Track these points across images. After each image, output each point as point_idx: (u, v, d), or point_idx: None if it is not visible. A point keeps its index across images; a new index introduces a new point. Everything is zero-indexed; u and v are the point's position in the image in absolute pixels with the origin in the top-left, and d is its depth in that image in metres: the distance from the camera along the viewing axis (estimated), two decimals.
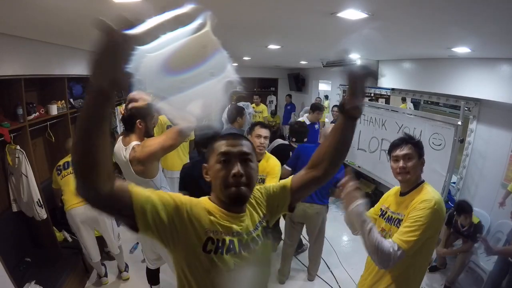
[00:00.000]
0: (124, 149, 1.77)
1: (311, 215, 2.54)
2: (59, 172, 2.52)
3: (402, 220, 1.38)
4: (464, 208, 2.63)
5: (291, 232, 2.71)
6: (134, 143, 1.75)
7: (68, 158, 2.59)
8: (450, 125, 2.82)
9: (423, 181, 1.44)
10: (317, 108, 3.98)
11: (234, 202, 0.88)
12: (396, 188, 1.56)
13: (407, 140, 1.45)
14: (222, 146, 0.90)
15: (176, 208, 0.82)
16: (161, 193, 0.83)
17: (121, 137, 1.87)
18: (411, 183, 1.44)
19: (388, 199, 1.55)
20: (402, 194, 1.47)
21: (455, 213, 2.74)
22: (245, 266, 0.88)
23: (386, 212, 1.52)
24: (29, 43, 2.44)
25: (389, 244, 1.23)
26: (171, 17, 0.71)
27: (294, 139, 2.87)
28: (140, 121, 1.78)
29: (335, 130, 0.96)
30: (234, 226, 0.88)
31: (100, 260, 2.68)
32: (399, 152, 1.43)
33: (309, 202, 2.51)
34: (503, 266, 2.30)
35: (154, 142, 1.68)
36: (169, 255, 1.73)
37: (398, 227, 1.38)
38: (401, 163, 1.42)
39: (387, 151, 1.57)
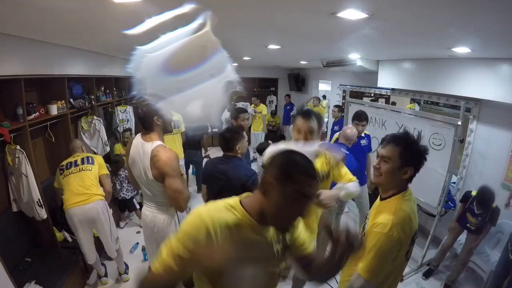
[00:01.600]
0: (145, 144, 1.79)
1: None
2: (62, 171, 2.54)
3: (366, 228, 1.33)
4: (484, 202, 2.53)
5: None
6: (159, 143, 1.77)
7: (72, 159, 2.60)
8: (450, 125, 2.81)
9: (400, 191, 1.26)
10: (357, 117, 3.22)
11: (282, 231, 0.96)
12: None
13: (398, 141, 1.25)
14: (305, 185, 0.83)
15: (200, 248, 0.83)
16: (190, 247, 0.83)
17: (140, 134, 1.89)
18: (387, 189, 1.30)
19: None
20: (381, 198, 1.34)
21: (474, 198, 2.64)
22: (256, 269, 0.94)
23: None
24: (29, 43, 2.44)
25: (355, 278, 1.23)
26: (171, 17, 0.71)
27: None
28: (157, 117, 1.80)
29: (328, 256, 0.89)
30: (258, 238, 0.92)
31: (100, 260, 2.68)
32: (381, 149, 1.27)
33: None
34: (505, 266, 2.30)
35: (178, 182, 1.71)
36: None
37: (363, 233, 1.34)
38: (376, 162, 1.28)
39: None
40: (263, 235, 0.93)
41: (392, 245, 1.18)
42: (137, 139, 1.86)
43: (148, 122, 1.81)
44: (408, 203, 1.25)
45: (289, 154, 0.88)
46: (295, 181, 0.82)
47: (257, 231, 0.91)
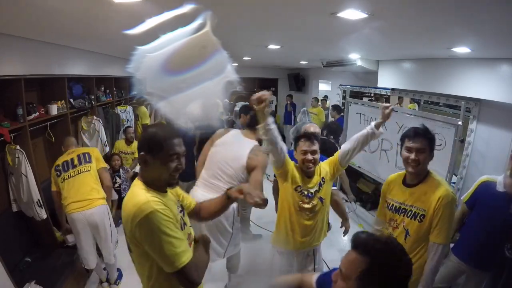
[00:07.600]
0: (246, 139, 2.18)
1: None
2: (59, 173, 2.37)
3: (418, 213, 1.46)
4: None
5: None
6: (256, 143, 2.14)
7: (67, 157, 2.41)
8: (450, 125, 2.81)
9: (428, 174, 1.50)
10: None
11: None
12: (392, 178, 1.64)
13: (423, 134, 1.48)
14: (175, 146, 1.04)
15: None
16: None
17: (242, 131, 2.29)
18: (419, 175, 1.50)
19: (392, 192, 1.61)
20: (410, 185, 1.53)
21: None
22: None
23: (392, 204, 1.58)
24: (29, 43, 2.44)
25: (432, 247, 1.42)
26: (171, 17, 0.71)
27: (332, 137, 3.18)
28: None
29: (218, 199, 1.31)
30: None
31: (101, 265, 2.62)
32: (413, 144, 1.47)
33: None
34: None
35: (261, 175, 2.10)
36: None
37: (413, 219, 1.48)
38: (413, 155, 1.46)
39: (399, 140, 1.60)
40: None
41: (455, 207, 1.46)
42: (236, 131, 2.31)
43: (256, 122, 1.78)
44: (440, 177, 1.52)
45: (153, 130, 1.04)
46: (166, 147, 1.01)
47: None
